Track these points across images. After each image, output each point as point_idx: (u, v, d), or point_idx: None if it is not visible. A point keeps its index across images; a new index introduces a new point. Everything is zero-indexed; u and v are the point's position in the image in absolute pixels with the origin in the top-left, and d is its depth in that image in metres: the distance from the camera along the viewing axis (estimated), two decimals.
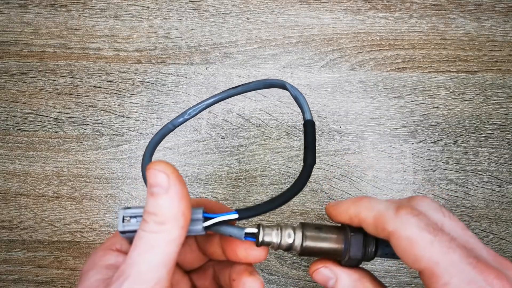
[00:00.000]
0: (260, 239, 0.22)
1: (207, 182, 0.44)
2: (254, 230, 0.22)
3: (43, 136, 0.45)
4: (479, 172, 0.44)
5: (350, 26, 0.47)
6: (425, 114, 0.46)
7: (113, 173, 0.44)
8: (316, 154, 0.45)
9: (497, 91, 0.46)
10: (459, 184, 0.44)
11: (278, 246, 0.22)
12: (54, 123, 0.45)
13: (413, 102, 0.46)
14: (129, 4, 0.48)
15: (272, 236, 0.22)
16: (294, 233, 0.22)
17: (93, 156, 0.44)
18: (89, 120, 0.45)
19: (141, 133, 0.45)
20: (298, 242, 0.21)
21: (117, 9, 0.48)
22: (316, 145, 0.45)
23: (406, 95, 0.46)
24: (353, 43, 0.47)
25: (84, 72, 0.46)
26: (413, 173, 0.44)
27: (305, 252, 0.22)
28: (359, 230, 0.21)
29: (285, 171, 0.44)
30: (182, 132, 0.45)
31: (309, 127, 0.23)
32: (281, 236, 0.22)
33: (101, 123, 0.45)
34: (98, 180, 0.44)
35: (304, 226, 0.22)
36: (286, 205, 0.44)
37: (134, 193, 0.44)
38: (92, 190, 0.44)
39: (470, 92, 0.46)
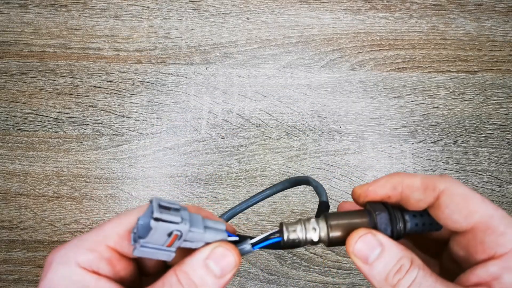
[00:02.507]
0: (285, 238, 0.21)
1: (207, 182, 0.44)
2: (274, 231, 0.22)
3: (43, 136, 0.45)
4: (479, 172, 0.44)
5: (350, 26, 0.47)
6: (425, 114, 0.46)
7: (113, 173, 0.44)
8: (317, 154, 0.45)
9: (497, 91, 0.46)
10: None
11: (305, 242, 0.21)
12: (54, 123, 0.45)
13: (413, 102, 0.46)
14: (129, 4, 0.48)
15: (297, 233, 0.21)
16: (318, 225, 0.21)
17: (93, 156, 0.44)
18: (89, 120, 0.45)
19: (141, 133, 0.45)
20: (324, 234, 0.21)
21: (117, 9, 0.48)
22: (316, 145, 0.45)
23: (406, 95, 0.46)
24: (353, 43, 0.47)
25: (84, 72, 0.46)
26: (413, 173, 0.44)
27: (333, 242, 0.21)
28: (382, 208, 0.21)
29: (285, 171, 0.44)
30: (182, 132, 0.45)
31: (322, 207, 0.24)
32: (305, 231, 0.21)
33: (101, 123, 0.45)
34: (98, 180, 0.44)
35: (327, 216, 0.22)
36: (286, 205, 0.44)
37: (134, 193, 0.44)
38: (92, 190, 0.44)
39: (470, 92, 0.46)
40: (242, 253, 0.21)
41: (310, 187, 0.44)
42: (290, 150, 0.45)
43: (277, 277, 0.43)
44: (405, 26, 0.47)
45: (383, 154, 0.45)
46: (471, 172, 0.44)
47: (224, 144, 0.45)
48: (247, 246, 0.21)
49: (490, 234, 0.18)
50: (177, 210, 0.20)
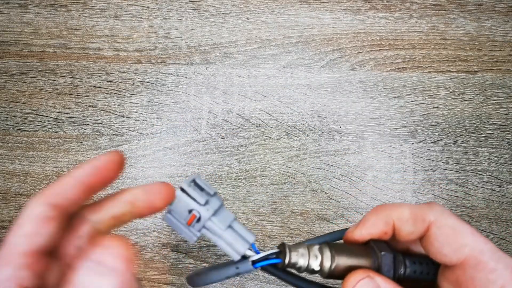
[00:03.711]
0: (287, 260, 0.20)
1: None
2: (274, 251, 0.20)
3: (43, 136, 0.45)
4: (479, 172, 0.44)
5: (350, 26, 0.47)
6: (425, 114, 0.46)
7: None
8: (317, 154, 0.45)
9: (497, 91, 0.46)
10: (459, 184, 0.44)
11: (305, 269, 0.20)
12: (54, 123, 0.45)
13: (413, 102, 0.46)
14: (129, 4, 0.48)
15: (299, 257, 0.20)
16: (322, 254, 0.20)
17: (93, 156, 0.44)
18: (89, 120, 0.45)
19: (141, 133, 0.45)
20: (327, 265, 0.20)
21: (117, 9, 0.48)
22: (316, 145, 0.45)
23: (406, 95, 0.46)
24: (353, 43, 0.47)
25: (84, 72, 0.46)
26: (413, 173, 0.44)
27: (333, 275, 0.20)
28: (387, 248, 0.20)
29: (285, 171, 0.44)
30: (182, 132, 0.45)
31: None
32: (308, 257, 0.20)
33: (101, 123, 0.45)
34: None
35: (331, 246, 0.20)
36: (286, 205, 0.44)
37: None
38: None
39: (470, 92, 0.46)
40: (243, 272, 0.20)
41: (310, 187, 0.44)
42: (290, 150, 0.45)
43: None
44: (405, 26, 0.47)
45: (383, 154, 0.45)
46: (471, 172, 0.44)
47: (224, 144, 0.45)
48: (248, 264, 0.20)
49: (481, 270, 0.18)
50: (209, 194, 0.20)
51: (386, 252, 0.20)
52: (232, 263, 0.21)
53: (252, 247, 0.21)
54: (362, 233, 0.21)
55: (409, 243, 0.22)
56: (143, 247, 0.43)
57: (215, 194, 0.20)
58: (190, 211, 0.19)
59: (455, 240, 0.18)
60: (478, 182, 0.44)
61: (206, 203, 0.20)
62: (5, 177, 0.44)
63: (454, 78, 0.46)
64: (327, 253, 0.20)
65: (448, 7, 0.48)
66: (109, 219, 0.19)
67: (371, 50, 0.47)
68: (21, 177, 0.44)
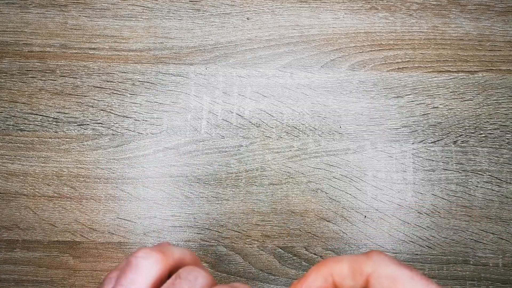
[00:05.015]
0: None
1: (207, 182, 0.44)
2: None
3: (43, 136, 0.45)
4: (479, 172, 0.44)
5: (350, 26, 0.47)
6: (425, 114, 0.46)
7: (113, 173, 0.44)
8: (317, 154, 0.45)
9: (497, 91, 0.46)
10: (459, 184, 0.44)
11: None
12: (54, 123, 0.45)
13: (413, 102, 0.46)
14: (129, 4, 0.48)
15: None
16: None
17: (93, 156, 0.44)
18: (89, 120, 0.45)
19: (141, 133, 0.45)
20: None
21: (117, 9, 0.48)
22: (316, 145, 0.45)
23: (406, 95, 0.46)
24: (353, 43, 0.47)
25: (84, 72, 0.46)
26: (413, 173, 0.44)
27: None
28: None
29: (285, 171, 0.44)
30: (182, 132, 0.45)
31: None
32: None
33: (101, 123, 0.45)
34: (98, 180, 0.44)
35: None
36: (286, 205, 0.44)
37: (134, 193, 0.44)
38: (92, 190, 0.44)
39: (470, 92, 0.46)
40: None
41: (310, 187, 0.44)
42: (290, 150, 0.45)
43: (277, 277, 0.43)
44: (405, 26, 0.47)
45: (383, 154, 0.45)
46: (471, 172, 0.44)
47: (224, 144, 0.45)
48: None
49: None
50: None
51: None
52: None
53: None
54: None
55: None
56: (143, 247, 0.43)
57: None
58: None
59: None
60: (478, 182, 0.44)
61: None
62: (5, 177, 0.44)
63: (454, 78, 0.46)
64: None
65: (448, 7, 0.48)
66: None
67: (371, 50, 0.47)
68: (21, 177, 0.44)
